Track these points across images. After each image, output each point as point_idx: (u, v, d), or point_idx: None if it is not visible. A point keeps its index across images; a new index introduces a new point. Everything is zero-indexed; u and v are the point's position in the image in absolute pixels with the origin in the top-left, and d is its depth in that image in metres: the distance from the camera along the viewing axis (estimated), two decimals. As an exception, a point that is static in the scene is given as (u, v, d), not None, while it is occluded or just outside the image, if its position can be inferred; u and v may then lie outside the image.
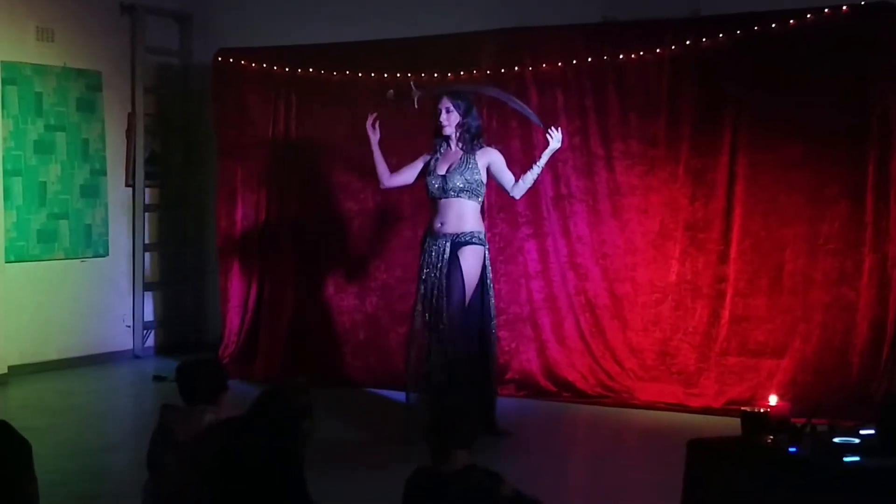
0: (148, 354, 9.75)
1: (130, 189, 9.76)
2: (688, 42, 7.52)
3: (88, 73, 9.41)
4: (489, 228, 8.13)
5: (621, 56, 7.73)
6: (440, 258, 6.64)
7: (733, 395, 7.32)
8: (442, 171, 6.72)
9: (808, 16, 7.18)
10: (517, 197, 6.90)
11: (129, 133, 9.73)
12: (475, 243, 6.66)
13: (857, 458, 3.80)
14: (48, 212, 9.08)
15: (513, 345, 8.09)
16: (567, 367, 7.94)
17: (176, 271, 10.19)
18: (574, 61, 7.88)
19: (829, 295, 7.21)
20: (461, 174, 6.65)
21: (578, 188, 7.96)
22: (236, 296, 8.96)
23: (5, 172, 8.64)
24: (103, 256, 9.57)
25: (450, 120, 6.74)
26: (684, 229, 7.63)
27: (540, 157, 6.77)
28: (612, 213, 7.86)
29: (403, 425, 6.68)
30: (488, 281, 6.79)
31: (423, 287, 6.69)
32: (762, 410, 4.12)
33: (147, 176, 9.84)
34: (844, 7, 7.11)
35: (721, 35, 7.42)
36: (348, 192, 8.61)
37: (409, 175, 6.99)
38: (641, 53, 7.68)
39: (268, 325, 8.83)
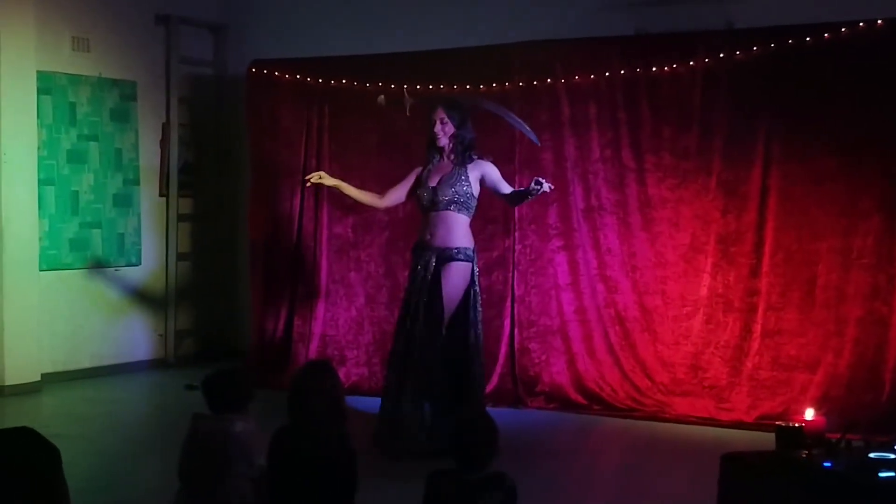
0: (179, 363, 9.79)
1: (164, 199, 9.82)
2: (721, 55, 7.50)
3: (123, 83, 9.49)
4: (520, 240, 8.15)
5: (654, 69, 7.72)
6: (425, 271, 6.55)
7: (765, 409, 7.29)
8: (433, 182, 6.63)
9: (843, 29, 7.15)
10: (514, 201, 6.88)
11: (163, 143, 9.80)
12: (461, 259, 6.56)
13: (892, 474, 3.78)
14: (81, 221, 9.16)
15: (543, 357, 8.08)
16: (597, 380, 7.91)
17: (208, 281, 10.24)
18: (607, 73, 7.88)
19: (862, 309, 7.16)
20: (451, 186, 6.56)
21: (609, 200, 7.95)
22: (268, 305, 9.00)
23: (39, 181, 8.70)
24: (136, 265, 9.64)
25: (444, 131, 6.65)
26: (716, 242, 7.60)
27: (529, 190, 6.47)
28: (642, 225, 7.84)
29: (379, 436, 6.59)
30: (475, 297, 6.68)
31: (406, 300, 6.63)
32: (797, 425, 4.09)
33: (180, 186, 9.90)
34: (879, 21, 7.08)
35: (755, 48, 7.40)
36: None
37: (401, 192, 6.91)
38: (674, 66, 7.66)
39: (299, 335, 8.86)
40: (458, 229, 6.59)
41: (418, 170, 6.84)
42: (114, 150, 9.41)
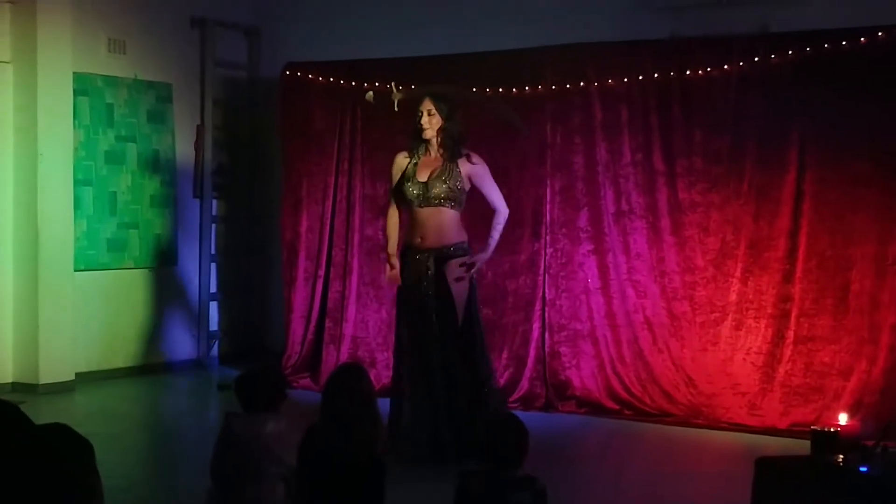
0: (213, 363, 9.85)
1: (198, 200, 9.88)
2: (755, 59, 7.47)
3: (159, 84, 9.57)
4: (551, 244, 8.14)
5: (688, 72, 7.69)
6: (423, 277, 6.30)
7: (798, 416, 7.24)
8: (423, 177, 6.37)
9: (880, 34, 7.10)
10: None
11: (198, 145, 9.87)
12: (459, 255, 6.37)
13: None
14: (118, 221, 9.23)
15: (574, 361, 8.07)
16: (628, 385, 7.89)
17: (241, 281, 10.30)
18: (640, 77, 7.86)
19: (897, 316, 7.11)
20: (444, 181, 6.33)
21: (639, 205, 7.92)
22: (300, 306, 9.05)
23: (76, 182, 8.79)
24: (172, 266, 9.71)
25: (431, 123, 6.39)
26: (747, 247, 7.56)
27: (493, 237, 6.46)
28: (672, 230, 7.80)
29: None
30: (474, 290, 6.50)
31: (404, 313, 6.38)
32: (832, 429, 4.07)
33: (214, 187, 9.97)
34: (916, 25, 7.04)
35: (790, 52, 7.36)
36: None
37: (394, 208, 6.63)
38: (708, 70, 7.63)
39: (331, 335, 8.90)
40: (452, 226, 6.36)
41: (400, 160, 6.53)
42: (151, 152, 9.49)
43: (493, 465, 3.81)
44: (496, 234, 6.55)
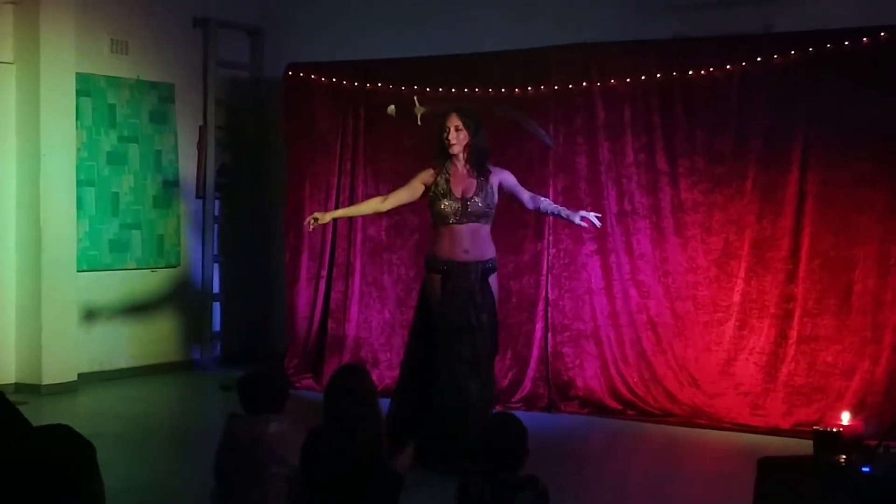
0: (216, 364, 9.84)
1: (201, 200, 9.89)
2: (759, 59, 7.46)
3: (161, 85, 9.57)
4: (554, 244, 8.14)
5: (690, 72, 7.69)
6: (471, 289, 6.29)
7: (801, 416, 7.24)
8: (458, 193, 6.35)
9: (882, 34, 7.10)
10: (540, 206, 6.54)
11: (200, 145, 9.87)
12: (495, 270, 6.47)
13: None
14: (121, 222, 9.24)
15: (577, 361, 8.06)
16: (631, 386, 7.89)
17: (244, 282, 10.29)
18: (643, 77, 7.85)
19: (900, 316, 7.10)
20: (483, 199, 6.33)
21: (642, 205, 7.92)
22: (303, 306, 9.05)
23: (79, 183, 8.79)
24: (174, 267, 9.71)
25: (458, 138, 6.34)
26: (750, 247, 7.56)
27: (569, 211, 6.48)
28: (675, 230, 7.80)
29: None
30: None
31: (448, 316, 6.29)
32: (835, 429, 4.06)
33: (217, 188, 9.97)
34: (920, 25, 7.03)
35: (793, 52, 7.35)
36: (412, 206, 8.61)
37: (406, 195, 6.63)
38: (711, 70, 7.62)
39: (333, 336, 8.90)
40: (489, 241, 6.43)
41: (424, 175, 6.53)
42: (153, 152, 9.49)
43: (494, 466, 3.81)
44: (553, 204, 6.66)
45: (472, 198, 6.34)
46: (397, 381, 6.82)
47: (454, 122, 6.38)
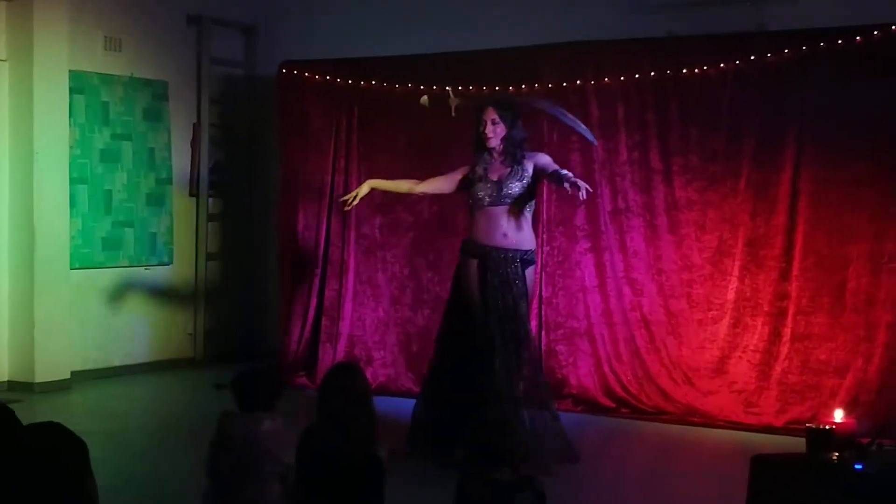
0: (209, 362, 9.83)
1: (194, 198, 9.87)
2: (752, 57, 7.47)
3: (155, 82, 9.56)
4: (548, 242, 8.14)
5: (684, 70, 7.69)
6: (512, 275, 6.22)
7: (795, 414, 7.26)
8: (494, 178, 6.32)
9: (875, 32, 7.11)
10: (548, 171, 6.35)
11: (194, 143, 9.86)
12: (534, 262, 6.45)
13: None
14: (113, 220, 9.22)
15: (570, 359, 8.07)
16: (625, 383, 7.89)
17: (238, 280, 10.29)
18: (637, 76, 7.86)
19: (893, 314, 7.12)
20: (518, 180, 6.28)
21: (636, 203, 7.93)
22: (297, 304, 9.05)
23: (72, 180, 8.78)
24: (167, 265, 9.70)
25: (495, 132, 6.32)
26: (744, 245, 7.57)
27: (563, 174, 6.21)
28: (668, 228, 7.81)
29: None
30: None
31: (489, 300, 6.21)
32: (828, 427, 4.07)
33: (211, 185, 9.97)
34: (912, 24, 7.04)
35: (786, 51, 7.36)
36: (406, 204, 8.64)
37: (443, 184, 6.65)
38: (705, 68, 7.63)
39: (327, 334, 8.90)
40: (530, 231, 6.36)
41: (464, 169, 6.56)
42: (146, 150, 9.48)
43: (496, 466, 3.81)
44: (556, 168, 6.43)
45: (506, 180, 6.29)
46: (431, 360, 6.71)
47: (490, 115, 6.33)
